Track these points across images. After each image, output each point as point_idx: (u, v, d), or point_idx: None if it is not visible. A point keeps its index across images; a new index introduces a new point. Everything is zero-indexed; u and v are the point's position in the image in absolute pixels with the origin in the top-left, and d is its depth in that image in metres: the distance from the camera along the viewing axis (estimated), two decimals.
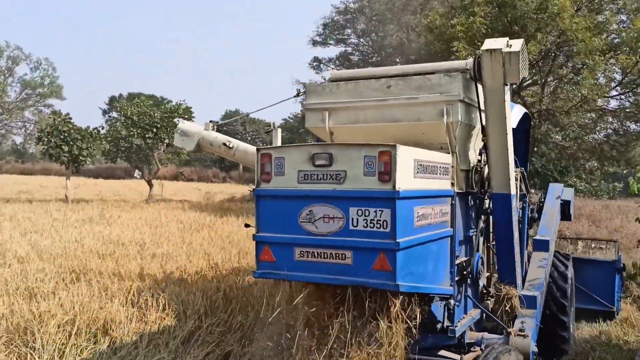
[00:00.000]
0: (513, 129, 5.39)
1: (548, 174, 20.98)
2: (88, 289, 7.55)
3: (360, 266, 3.95)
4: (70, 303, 6.75)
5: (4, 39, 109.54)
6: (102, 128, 28.09)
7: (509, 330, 5.45)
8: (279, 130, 7.51)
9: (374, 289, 4.11)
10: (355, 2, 46.24)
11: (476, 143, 5.37)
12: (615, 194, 26.72)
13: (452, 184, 4.77)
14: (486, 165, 5.35)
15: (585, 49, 18.27)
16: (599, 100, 21.31)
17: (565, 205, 8.18)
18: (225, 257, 10.55)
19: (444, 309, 4.78)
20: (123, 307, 6.97)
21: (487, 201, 5.56)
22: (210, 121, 7.91)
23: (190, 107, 29.16)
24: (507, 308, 5.65)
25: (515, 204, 5.64)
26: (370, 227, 3.90)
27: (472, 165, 5.27)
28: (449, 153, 4.79)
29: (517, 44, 4.75)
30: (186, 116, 28.39)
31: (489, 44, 4.81)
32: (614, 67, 21.09)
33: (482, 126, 5.11)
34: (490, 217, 5.77)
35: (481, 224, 5.67)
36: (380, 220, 3.86)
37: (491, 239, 6.02)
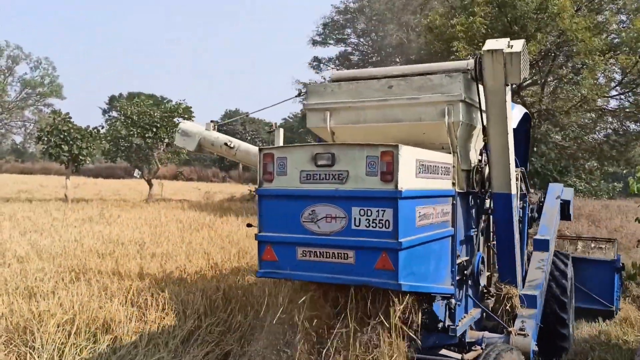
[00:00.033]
0: (513, 129, 5.40)
1: (548, 173, 21.00)
2: (87, 288, 7.55)
3: (362, 266, 3.96)
4: (69, 302, 6.75)
5: (4, 38, 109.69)
6: (102, 127, 28.09)
7: (510, 329, 5.47)
8: (281, 130, 7.52)
9: (376, 289, 4.12)
10: (355, 1, 46.25)
11: (477, 143, 5.38)
12: (614, 194, 26.74)
13: (453, 184, 4.79)
14: (487, 165, 5.36)
15: (585, 49, 18.28)
16: (599, 100, 21.32)
17: (564, 205, 8.20)
18: (225, 257, 10.55)
19: (445, 308, 4.80)
20: (122, 306, 6.97)
21: (487, 201, 5.58)
22: (212, 121, 7.91)
23: (190, 107, 29.19)
24: (507, 307, 5.66)
25: (516, 204, 5.66)
26: (372, 226, 3.91)
27: (473, 165, 5.29)
28: (450, 153, 4.81)
29: (518, 45, 4.76)
30: (186, 116, 28.40)
31: (490, 44, 4.82)
32: (614, 67, 21.11)
33: (483, 126, 5.12)
34: (491, 216, 5.79)
35: (482, 224, 5.68)
36: (382, 220, 3.87)
37: (491, 239, 6.04)
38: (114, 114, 58.18)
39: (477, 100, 5.00)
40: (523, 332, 5.44)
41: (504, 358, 4.62)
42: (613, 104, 23.29)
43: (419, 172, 4.15)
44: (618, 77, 22.02)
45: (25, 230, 13.49)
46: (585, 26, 18.12)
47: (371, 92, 5.00)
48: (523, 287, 6.12)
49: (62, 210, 18.58)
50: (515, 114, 6.09)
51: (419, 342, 4.36)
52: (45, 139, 24.84)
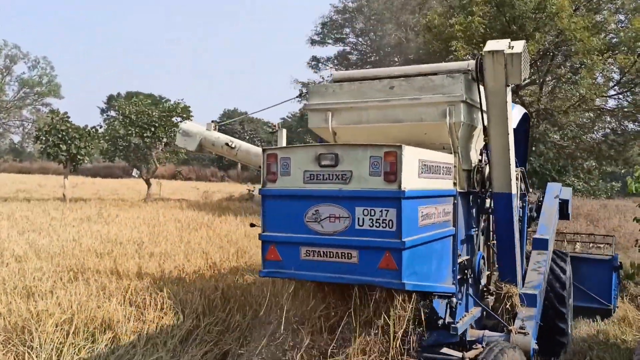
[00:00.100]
0: (513, 129, 5.42)
1: (546, 173, 21.04)
2: (86, 288, 7.54)
3: (366, 265, 3.98)
4: (68, 302, 6.74)
5: (2, 37, 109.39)
6: (100, 127, 28.04)
7: (510, 328, 5.50)
8: (284, 130, 7.55)
9: (379, 288, 4.15)
10: (353, 1, 46.29)
11: (477, 143, 5.41)
12: (613, 194, 26.78)
13: (455, 184, 4.82)
14: (487, 165, 5.40)
15: (584, 48, 18.31)
16: (597, 99, 21.37)
17: (563, 204, 8.25)
18: (224, 256, 10.55)
19: (447, 307, 4.84)
20: (121, 306, 6.96)
21: (488, 200, 5.61)
22: (212, 121, 7.94)
23: (189, 106, 29.20)
24: (507, 306, 5.70)
25: (516, 203, 5.69)
26: (376, 226, 3.93)
27: (473, 165, 5.32)
28: (451, 153, 4.83)
29: (518, 46, 4.80)
30: (184, 115, 28.40)
31: (491, 45, 4.85)
32: (612, 66, 21.16)
33: (484, 126, 5.15)
34: (491, 216, 5.83)
35: (482, 223, 5.73)
36: (386, 220, 3.90)
37: (492, 238, 6.08)
38: (112, 113, 58.25)
39: (478, 101, 5.03)
40: (523, 331, 5.48)
41: (504, 356, 4.65)
42: (611, 103, 23.37)
43: (422, 172, 4.17)
44: (616, 76, 22.07)
45: (23, 229, 13.47)
46: (583, 26, 18.16)
47: (373, 92, 5.02)
48: (523, 286, 6.16)
49: (61, 210, 18.57)
50: (514, 114, 6.11)
51: (421, 340, 4.40)
52: (44, 138, 24.81)
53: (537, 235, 7.28)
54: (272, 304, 4.84)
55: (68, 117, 25.83)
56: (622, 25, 21.94)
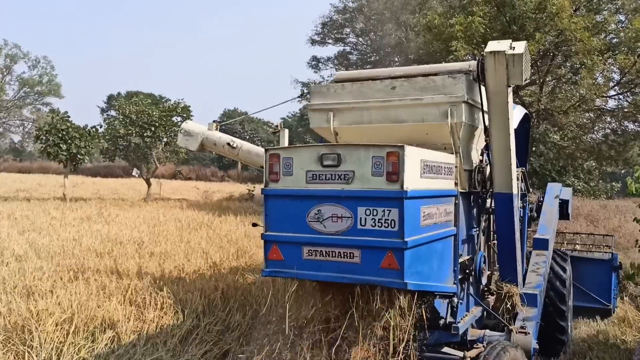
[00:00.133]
0: (514, 129, 5.44)
1: (546, 173, 21.02)
2: (86, 287, 7.55)
3: (368, 265, 4.01)
4: (68, 301, 6.74)
5: (2, 37, 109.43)
6: (101, 126, 28.02)
7: (511, 327, 5.53)
8: (286, 131, 7.55)
9: (380, 288, 4.17)
10: (354, 1, 46.27)
11: (478, 143, 5.44)
12: (613, 194, 26.76)
13: (456, 184, 4.84)
14: (488, 165, 5.42)
15: (584, 48, 18.31)
16: (597, 100, 21.36)
17: (563, 204, 8.27)
18: (224, 256, 10.56)
19: (448, 307, 4.86)
20: (121, 305, 6.97)
21: (489, 200, 5.63)
22: (214, 121, 7.95)
23: (189, 106, 29.18)
24: (508, 306, 5.72)
25: (517, 204, 5.71)
26: (378, 226, 3.96)
27: (474, 165, 5.35)
28: (452, 153, 4.85)
29: (520, 46, 4.82)
30: (184, 115, 28.39)
31: (493, 46, 4.86)
32: (612, 67, 21.16)
33: (485, 127, 5.17)
34: (492, 216, 5.84)
35: (483, 223, 5.75)
36: (388, 220, 3.92)
37: (492, 238, 6.09)
38: (113, 113, 58.16)
39: (479, 101, 5.05)
40: (524, 330, 5.52)
41: (505, 356, 4.68)
42: (611, 103, 23.36)
43: (424, 173, 4.20)
44: (616, 77, 22.07)
45: (23, 229, 13.48)
46: (583, 26, 18.15)
47: (374, 92, 5.05)
48: (523, 286, 6.19)
49: (61, 210, 18.57)
50: (515, 114, 6.13)
51: (423, 340, 4.43)
52: (44, 138, 24.79)
53: (537, 235, 7.32)
54: (273, 304, 4.85)
55: (68, 117, 25.82)
56: (622, 25, 21.93)
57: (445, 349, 5.22)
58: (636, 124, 23.27)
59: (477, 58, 5.07)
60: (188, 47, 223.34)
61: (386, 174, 3.92)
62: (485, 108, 5.09)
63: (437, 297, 4.63)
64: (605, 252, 9.81)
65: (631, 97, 22.12)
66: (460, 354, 5.14)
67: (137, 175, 37.69)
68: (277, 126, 7.65)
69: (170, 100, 32.81)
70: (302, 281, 4.47)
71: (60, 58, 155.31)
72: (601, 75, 21.05)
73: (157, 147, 28.39)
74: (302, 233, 4.20)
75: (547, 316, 6.74)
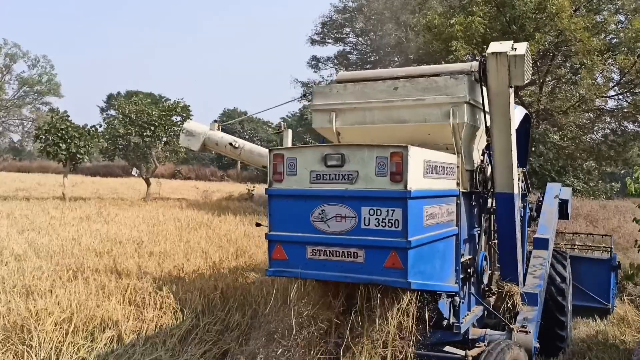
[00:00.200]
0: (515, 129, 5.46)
1: (546, 173, 21.03)
2: (85, 287, 7.54)
3: (372, 264, 4.04)
4: (67, 301, 6.74)
5: (1, 36, 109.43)
6: (100, 126, 27.99)
7: (512, 326, 5.56)
8: (290, 131, 7.56)
9: (383, 287, 4.19)
10: (354, 1, 46.27)
11: (480, 143, 5.48)
12: (612, 194, 26.77)
13: (458, 184, 4.87)
14: (489, 165, 5.45)
15: (584, 49, 18.32)
16: (597, 100, 21.37)
17: (563, 204, 8.31)
18: (223, 256, 10.55)
19: (450, 306, 4.89)
20: (120, 305, 6.97)
21: (490, 200, 5.64)
22: (214, 121, 7.95)
23: (189, 105, 29.18)
24: (508, 305, 5.75)
25: (518, 203, 5.73)
26: (382, 226, 3.99)
27: (476, 165, 5.38)
28: (454, 154, 4.88)
29: (521, 47, 4.85)
30: (184, 114, 28.39)
31: (495, 47, 4.90)
32: (612, 67, 21.16)
33: (487, 127, 5.20)
34: (493, 216, 5.89)
35: (484, 223, 5.78)
36: (391, 220, 3.96)
37: (493, 238, 6.11)
38: (112, 112, 58.13)
39: (481, 102, 5.09)
40: (525, 329, 5.56)
41: (507, 355, 4.70)
42: (611, 104, 23.38)
43: (427, 173, 4.23)
44: (616, 77, 22.08)
45: (22, 228, 13.46)
46: (583, 26, 18.16)
47: (376, 93, 5.08)
48: (524, 285, 6.22)
49: (60, 209, 18.55)
50: (516, 114, 6.16)
51: (426, 339, 4.46)
52: (43, 137, 24.77)
53: (537, 235, 7.36)
54: (273, 304, 4.86)
55: (68, 116, 25.81)
56: (622, 25, 21.95)
57: (447, 348, 5.24)
58: (636, 124, 23.29)
59: (477, 58, 5.10)
60: (188, 47, 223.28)
61: (390, 174, 3.95)
62: (486, 108, 5.12)
63: (442, 296, 4.66)
64: (604, 252, 9.85)
65: (631, 98, 22.13)
66: (462, 352, 5.16)
67: (136, 175, 37.70)
68: (280, 126, 7.65)
69: (170, 99, 32.83)
70: (305, 281, 4.48)
71: (60, 57, 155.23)
72: (601, 75, 21.07)
73: (156, 146, 28.36)
74: (306, 233, 4.23)
75: (547, 312, 6.81)
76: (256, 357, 4.54)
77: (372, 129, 5.12)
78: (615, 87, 22.34)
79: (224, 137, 7.84)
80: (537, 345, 5.67)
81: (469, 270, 5.18)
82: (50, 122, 25.26)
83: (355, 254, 4.08)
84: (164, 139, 27.76)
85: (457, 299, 4.89)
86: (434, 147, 4.69)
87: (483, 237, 5.78)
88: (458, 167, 4.88)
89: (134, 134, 27.18)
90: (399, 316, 4.21)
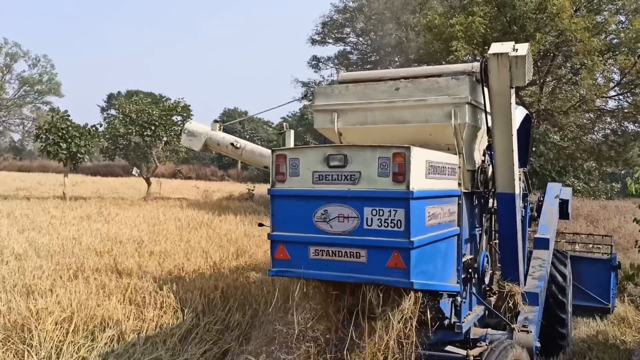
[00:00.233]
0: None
1: (546, 173, 21.03)
2: (85, 286, 7.55)
3: (374, 264, 4.06)
4: (67, 300, 6.74)
5: (2, 35, 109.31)
6: (101, 125, 27.99)
7: (513, 326, 5.58)
8: (292, 131, 7.57)
9: (385, 287, 4.20)
10: (354, 1, 46.26)
11: (481, 144, 5.50)
12: (613, 195, 26.77)
13: (459, 184, 4.88)
14: (490, 166, 5.47)
15: (584, 49, 18.31)
16: (597, 100, 21.37)
17: (563, 204, 8.33)
18: (223, 255, 10.55)
19: (451, 306, 4.91)
20: (121, 304, 6.97)
21: (491, 200, 5.66)
22: (215, 121, 7.96)
23: (189, 105, 29.17)
24: (509, 305, 5.77)
25: (519, 203, 5.75)
26: (384, 226, 4.00)
27: (477, 165, 5.40)
28: (455, 154, 4.89)
29: (523, 48, 4.87)
30: (184, 114, 28.39)
31: (496, 48, 4.92)
32: (613, 67, 21.16)
33: (488, 128, 5.21)
34: (494, 216, 5.91)
35: (485, 223, 5.80)
36: (394, 220, 3.97)
37: (494, 237, 6.14)
38: (113, 112, 58.12)
39: (482, 103, 5.12)
40: (526, 329, 5.58)
41: (508, 354, 4.71)
42: (611, 104, 23.38)
43: (429, 173, 4.24)
44: (617, 77, 22.08)
45: (23, 228, 13.47)
46: (584, 26, 18.16)
47: (378, 93, 5.09)
48: (525, 285, 6.23)
49: (60, 208, 18.56)
50: (516, 115, 6.18)
51: (430, 338, 4.48)
52: (44, 136, 24.77)
53: (538, 235, 7.39)
54: (273, 303, 4.87)
55: (68, 116, 25.81)
56: (623, 26, 21.95)
57: (449, 347, 5.26)
58: (636, 124, 23.29)
59: (478, 59, 5.11)
60: (188, 47, 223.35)
61: (392, 174, 3.96)
62: (488, 109, 5.13)
63: (443, 296, 4.68)
64: (605, 253, 9.87)
65: (631, 98, 22.13)
66: (463, 352, 5.18)
67: (137, 175, 37.70)
68: (282, 127, 7.66)
69: (170, 99, 32.82)
70: (307, 281, 4.49)
71: (60, 57, 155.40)
72: (601, 75, 21.06)
73: (157, 146, 28.36)
74: (308, 233, 4.24)
75: (548, 309, 6.85)
76: (257, 357, 4.55)
77: (373, 129, 5.13)
78: (616, 88, 22.34)
79: (226, 138, 7.86)
80: (538, 344, 5.69)
81: (470, 270, 5.19)
82: (50, 121, 25.25)
83: (358, 254, 4.09)
84: (165, 138, 27.77)
85: (459, 298, 4.90)
86: (436, 148, 4.70)
87: (484, 237, 5.79)
88: (459, 167, 4.89)
89: (134, 133, 27.18)
90: (403, 318, 4.23)
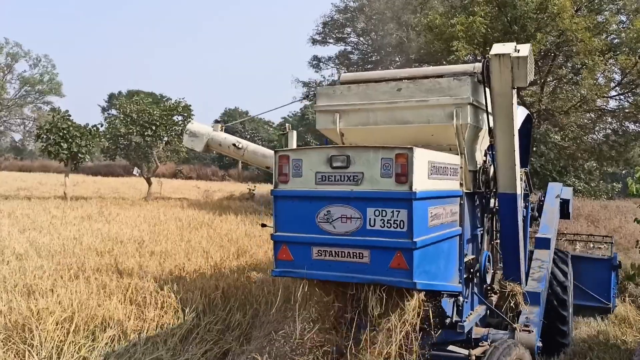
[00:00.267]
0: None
1: (547, 173, 21.02)
2: (86, 286, 7.55)
3: (377, 265, 4.07)
4: (68, 300, 6.75)
5: (3, 35, 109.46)
6: (101, 125, 27.95)
7: (515, 325, 5.59)
8: (295, 132, 7.59)
9: (388, 287, 4.21)
10: (355, 0, 46.23)
11: (482, 144, 5.52)
12: (613, 194, 26.76)
13: (461, 185, 4.90)
14: (492, 166, 5.48)
15: (585, 49, 18.30)
16: (598, 100, 21.34)
17: (564, 204, 8.35)
18: (224, 255, 10.56)
19: (453, 306, 4.93)
20: (121, 304, 6.98)
21: (492, 201, 5.68)
22: (216, 121, 7.98)
23: (190, 105, 29.17)
24: (511, 304, 5.78)
25: (520, 203, 5.76)
26: (387, 227, 4.02)
27: (478, 165, 5.42)
28: (457, 154, 4.90)
29: (525, 49, 4.88)
30: (185, 114, 28.39)
31: (498, 48, 4.93)
32: (613, 67, 21.13)
33: (489, 128, 5.22)
34: (496, 216, 5.93)
35: (487, 223, 5.83)
36: (397, 221, 3.98)
37: (495, 237, 6.17)
38: (114, 112, 58.10)
39: (484, 103, 5.13)
40: (527, 328, 5.60)
41: (510, 354, 4.72)
42: (612, 104, 23.35)
43: (431, 174, 4.26)
44: (617, 77, 22.06)
45: (24, 227, 13.48)
46: (585, 26, 18.14)
47: (380, 94, 5.11)
48: (526, 284, 6.25)
49: (61, 208, 18.57)
50: (518, 115, 6.19)
51: (432, 338, 4.51)
52: (45, 136, 24.77)
53: (539, 235, 7.41)
54: (277, 304, 4.88)
55: (69, 116, 25.80)
56: (624, 26, 21.92)
57: (451, 347, 5.28)
58: (637, 124, 23.27)
59: (479, 58, 5.12)
60: (188, 47, 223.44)
61: (395, 175, 3.98)
62: (489, 109, 5.14)
63: (445, 296, 4.69)
64: (604, 255, 9.88)
65: (632, 98, 22.12)
66: (465, 352, 5.19)
67: (137, 174, 37.65)
68: (285, 128, 7.67)
69: (171, 99, 32.81)
70: (310, 281, 4.50)
71: (61, 57, 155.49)
72: (602, 75, 21.04)
73: (157, 146, 28.36)
74: (311, 233, 4.25)
75: (549, 306, 6.88)
76: (257, 357, 4.55)
77: (375, 130, 5.14)
78: (617, 88, 22.32)
79: (228, 138, 7.87)
80: (540, 344, 5.71)
81: (472, 270, 5.22)
82: (51, 121, 25.25)
83: (361, 254, 4.10)
84: (165, 138, 27.78)
85: (461, 298, 4.92)
86: (437, 148, 4.72)
87: (486, 237, 5.82)
88: (461, 167, 4.91)
89: (135, 133, 27.18)
90: (405, 316, 4.24)
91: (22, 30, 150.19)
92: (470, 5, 20.05)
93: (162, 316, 6.91)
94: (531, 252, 7.17)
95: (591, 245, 11.89)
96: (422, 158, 4.07)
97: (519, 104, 5.81)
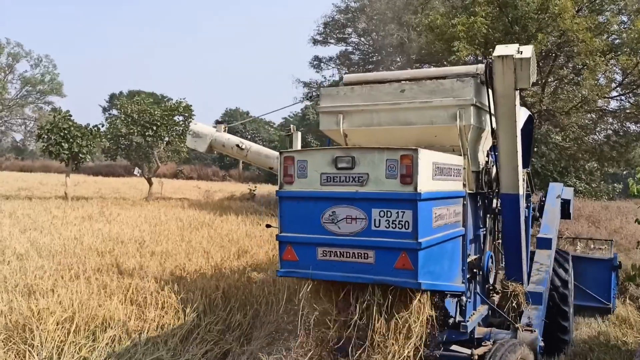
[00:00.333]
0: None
1: (548, 174, 20.98)
2: (87, 286, 7.55)
3: (382, 265, 4.09)
4: (69, 300, 6.75)
5: (4, 35, 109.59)
6: (102, 125, 27.96)
7: (517, 325, 5.61)
8: (299, 133, 7.63)
9: (393, 288, 4.22)
10: (356, 1, 46.21)
11: (485, 145, 5.54)
12: (614, 195, 26.72)
13: (464, 185, 4.93)
14: (494, 167, 5.51)
15: (586, 49, 18.26)
16: (599, 101, 21.29)
17: (565, 204, 8.37)
18: (225, 256, 10.56)
19: (456, 305, 4.95)
20: (122, 304, 6.98)
21: (495, 201, 5.68)
22: (217, 121, 8.00)
23: (190, 105, 29.16)
24: (513, 304, 5.81)
25: (523, 204, 5.78)
26: (392, 227, 4.04)
27: (481, 166, 5.46)
28: (460, 155, 4.92)
29: (527, 50, 4.90)
30: (186, 114, 28.40)
31: (501, 50, 4.95)
32: (615, 67, 21.08)
33: (492, 129, 5.24)
34: (498, 216, 5.95)
35: (489, 223, 5.86)
36: (402, 221, 4.01)
37: (497, 237, 6.17)
38: (114, 112, 58.10)
39: (487, 104, 5.14)
40: (530, 328, 5.63)
41: (513, 353, 4.74)
42: (613, 104, 23.29)
43: (435, 175, 4.28)
44: (619, 77, 22.00)
45: (25, 228, 13.49)
46: (586, 27, 18.11)
47: (383, 95, 5.13)
48: (528, 284, 6.27)
49: (62, 208, 18.57)
50: (520, 116, 6.21)
51: (437, 338, 4.55)
52: (46, 136, 24.77)
53: (540, 235, 7.43)
54: (273, 303, 4.89)
55: (70, 116, 25.81)
56: (625, 26, 21.88)
57: (454, 347, 5.29)
58: (638, 125, 23.21)
59: (480, 59, 5.14)
60: (188, 47, 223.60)
61: (400, 176, 4.00)
62: (492, 111, 5.16)
63: (448, 296, 4.72)
64: (605, 253, 9.91)
65: (633, 98, 22.07)
66: (467, 351, 5.20)
67: (138, 175, 37.72)
68: (290, 129, 7.69)
69: (172, 99, 32.80)
70: (314, 282, 4.51)
71: (61, 57, 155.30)
72: (603, 76, 20.98)
73: (158, 146, 28.36)
74: (316, 234, 4.28)
75: (550, 303, 6.91)
76: (258, 357, 4.56)
77: (379, 130, 5.16)
78: (618, 88, 22.27)
79: (231, 139, 7.91)
80: (542, 344, 5.73)
81: (474, 270, 5.25)
82: (52, 121, 25.26)
83: (366, 254, 4.13)
84: (166, 138, 27.78)
85: (464, 298, 4.94)
86: (441, 149, 4.74)
87: (488, 237, 5.86)
88: (464, 168, 4.94)
89: (136, 133, 27.18)
90: (411, 316, 4.25)
91: (24, 31, 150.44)
92: (471, 5, 20.00)
93: (163, 316, 6.91)
94: (532, 253, 7.19)
95: (592, 246, 11.89)
96: (426, 159, 4.09)
97: (520, 104, 5.82)
